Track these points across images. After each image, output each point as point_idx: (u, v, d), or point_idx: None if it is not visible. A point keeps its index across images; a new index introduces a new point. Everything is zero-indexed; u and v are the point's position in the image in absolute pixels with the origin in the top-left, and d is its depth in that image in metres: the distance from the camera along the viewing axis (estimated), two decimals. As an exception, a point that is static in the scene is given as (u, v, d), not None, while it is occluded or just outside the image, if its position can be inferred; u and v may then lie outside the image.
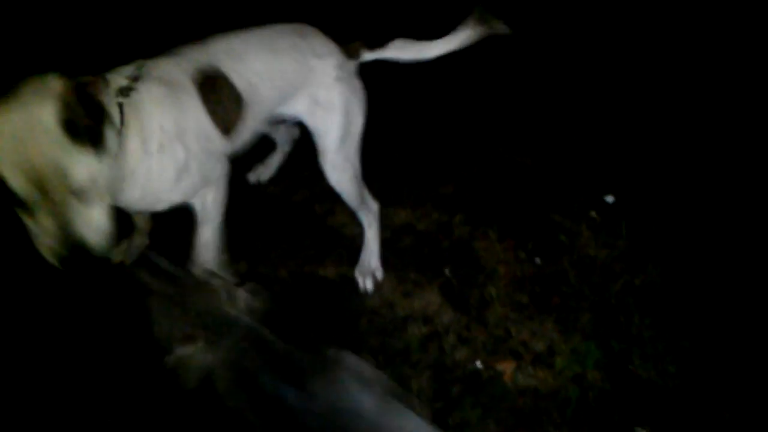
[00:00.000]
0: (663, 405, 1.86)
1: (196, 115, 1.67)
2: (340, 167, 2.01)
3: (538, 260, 2.26)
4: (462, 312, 2.10)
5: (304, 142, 2.26)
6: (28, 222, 1.30)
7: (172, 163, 1.60)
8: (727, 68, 3.03)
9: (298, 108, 1.94)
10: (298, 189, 2.55)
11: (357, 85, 2.00)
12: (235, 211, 1.90)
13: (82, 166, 1.29)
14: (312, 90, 1.91)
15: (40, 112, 1.25)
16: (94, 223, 1.32)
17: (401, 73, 3.02)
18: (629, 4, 3.40)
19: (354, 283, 2.19)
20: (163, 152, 1.57)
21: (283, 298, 2.13)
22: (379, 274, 2.23)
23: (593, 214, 2.41)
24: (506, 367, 1.96)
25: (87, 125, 1.31)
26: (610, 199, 2.44)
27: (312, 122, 1.96)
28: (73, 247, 1.28)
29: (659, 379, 1.91)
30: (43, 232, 1.28)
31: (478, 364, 1.97)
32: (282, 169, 2.59)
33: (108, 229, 1.35)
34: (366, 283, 2.20)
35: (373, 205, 2.21)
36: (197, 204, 1.79)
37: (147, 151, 1.54)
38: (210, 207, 1.81)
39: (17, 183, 1.24)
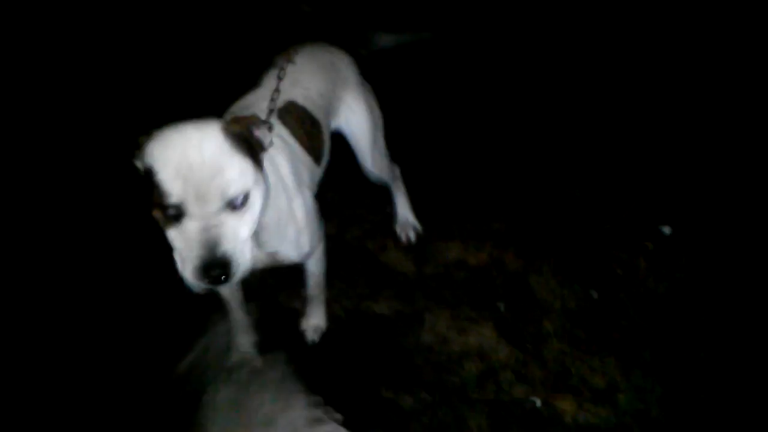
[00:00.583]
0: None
1: (303, 158, 1.78)
2: (378, 162, 2.22)
3: (594, 294, 2.22)
4: (518, 348, 2.08)
5: (352, 179, 2.33)
6: (175, 233, 1.30)
7: (303, 205, 1.69)
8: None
9: (340, 119, 2.07)
10: (350, 227, 2.60)
11: (366, 82, 2.18)
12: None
13: (239, 171, 1.30)
14: (344, 97, 2.06)
15: (206, 126, 1.32)
16: (241, 237, 1.32)
17: (446, 108, 3.09)
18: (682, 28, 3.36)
19: (408, 319, 2.21)
20: (297, 193, 1.67)
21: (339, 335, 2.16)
22: (418, 227, 2.51)
23: (649, 245, 2.36)
24: (566, 405, 1.92)
25: (245, 140, 1.36)
26: (666, 230, 2.39)
27: (348, 129, 2.11)
28: (217, 257, 1.27)
29: (727, 415, 1.85)
30: (189, 241, 1.28)
31: (537, 401, 1.94)
32: (333, 208, 2.64)
33: (250, 249, 1.35)
34: (410, 236, 2.49)
35: (397, 170, 2.43)
36: (311, 263, 1.95)
37: (284, 190, 1.61)
38: (320, 264, 2.00)
39: (177, 189, 1.25)
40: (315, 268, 1.99)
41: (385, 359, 2.07)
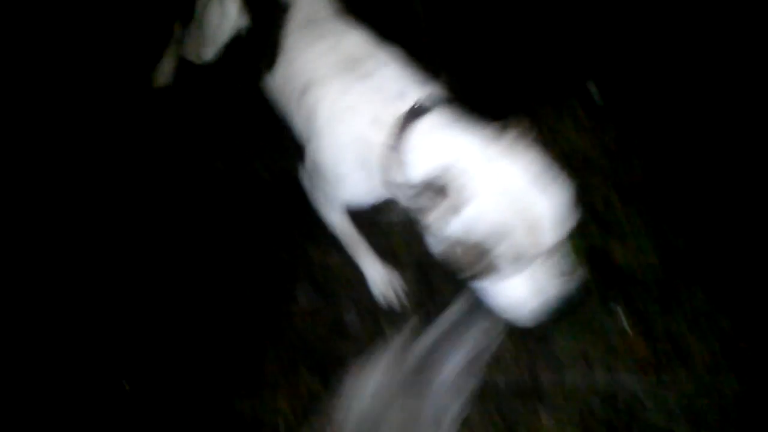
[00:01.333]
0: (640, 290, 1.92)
1: None
2: None
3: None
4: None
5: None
6: (516, 281, 1.29)
7: None
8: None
9: None
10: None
11: None
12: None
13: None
14: None
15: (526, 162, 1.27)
16: None
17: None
18: None
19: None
20: None
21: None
22: None
23: (580, 111, 2.33)
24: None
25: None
26: (595, 92, 2.36)
27: None
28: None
29: (639, 269, 1.96)
30: (540, 283, 1.31)
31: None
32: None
33: None
34: None
35: None
36: None
37: None
38: None
39: (532, 248, 1.22)
40: None
41: (310, 221, 2.02)
